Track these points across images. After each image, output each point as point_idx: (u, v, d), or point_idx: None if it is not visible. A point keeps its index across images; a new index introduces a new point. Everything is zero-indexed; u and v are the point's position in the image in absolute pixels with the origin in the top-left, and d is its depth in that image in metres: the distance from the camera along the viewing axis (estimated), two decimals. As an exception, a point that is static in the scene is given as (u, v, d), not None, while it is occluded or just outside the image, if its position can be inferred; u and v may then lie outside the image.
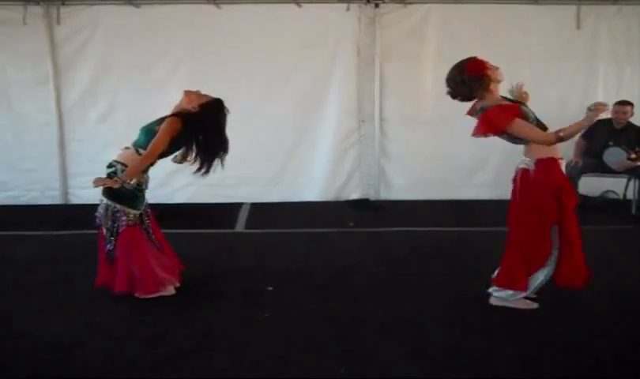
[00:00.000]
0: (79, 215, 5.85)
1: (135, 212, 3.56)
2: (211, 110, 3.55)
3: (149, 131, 3.47)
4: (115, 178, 3.39)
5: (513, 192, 3.35)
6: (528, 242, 3.27)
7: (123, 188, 3.40)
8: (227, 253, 4.62)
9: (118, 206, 3.50)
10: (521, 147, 3.36)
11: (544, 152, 3.21)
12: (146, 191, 3.67)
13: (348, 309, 3.48)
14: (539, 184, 3.20)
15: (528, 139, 3.18)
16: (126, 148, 3.54)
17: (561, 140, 3.11)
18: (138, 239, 3.58)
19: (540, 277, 3.32)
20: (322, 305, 3.53)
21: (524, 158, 3.31)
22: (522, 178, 3.27)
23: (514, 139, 3.26)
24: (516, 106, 3.19)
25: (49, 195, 6.34)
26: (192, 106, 3.50)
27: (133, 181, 3.46)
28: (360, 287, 3.85)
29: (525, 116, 3.16)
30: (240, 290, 3.80)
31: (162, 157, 3.54)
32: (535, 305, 3.39)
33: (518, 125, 3.13)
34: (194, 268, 3.84)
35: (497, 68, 3.25)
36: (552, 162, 3.23)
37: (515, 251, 3.32)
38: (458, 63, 3.27)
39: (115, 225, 3.52)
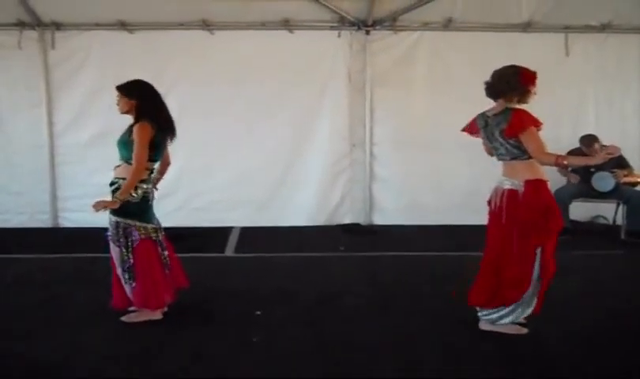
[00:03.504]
0: (68, 238, 5.85)
1: (146, 225, 3.54)
2: (143, 89, 3.54)
3: (125, 143, 3.46)
4: (114, 198, 3.39)
5: (496, 213, 3.34)
6: (516, 262, 3.26)
7: (130, 202, 3.41)
8: (216, 277, 4.59)
9: (128, 221, 3.48)
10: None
11: (533, 174, 3.24)
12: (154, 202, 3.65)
13: (338, 333, 3.45)
14: (529, 205, 3.21)
15: (532, 150, 3.15)
16: (118, 165, 3.53)
17: (561, 165, 3.20)
18: (152, 253, 3.55)
19: (531, 303, 3.32)
20: (313, 329, 3.50)
21: (507, 178, 3.32)
22: (509, 199, 3.27)
23: (510, 149, 3.24)
24: (536, 119, 3.22)
25: (38, 218, 6.31)
26: (130, 104, 3.48)
27: (139, 193, 3.46)
28: (351, 311, 3.82)
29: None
30: (230, 313, 3.77)
31: (154, 160, 3.55)
32: (524, 331, 3.37)
33: (534, 134, 3.16)
34: (184, 292, 3.80)
35: (535, 93, 3.31)
36: (541, 183, 3.26)
37: (501, 271, 3.30)
38: (515, 65, 3.30)
39: (129, 241, 3.49)
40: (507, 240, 3.28)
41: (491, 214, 3.43)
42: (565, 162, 3.21)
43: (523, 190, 3.23)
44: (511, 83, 3.27)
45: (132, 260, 3.49)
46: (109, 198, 3.45)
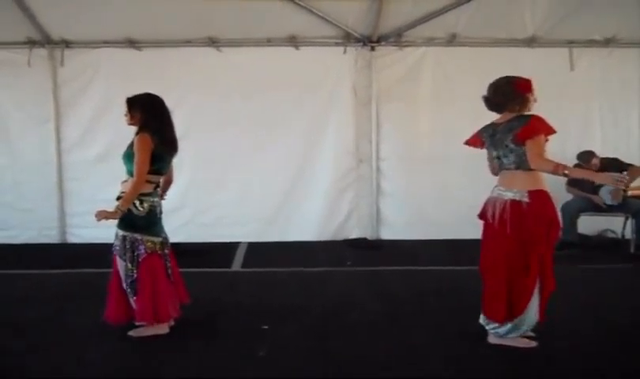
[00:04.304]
0: (75, 254, 5.87)
1: (154, 239, 3.55)
2: (150, 102, 3.57)
3: (129, 156, 3.49)
4: (115, 209, 3.40)
5: (499, 225, 3.27)
6: (520, 274, 3.23)
7: (137, 216, 3.44)
8: (223, 292, 4.59)
9: (136, 235, 3.50)
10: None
11: (536, 184, 3.22)
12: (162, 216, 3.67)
13: (345, 346, 3.43)
14: (535, 215, 3.18)
15: (532, 155, 3.13)
16: (126, 180, 3.55)
17: (562, 174, 3.15)
18: (158, 267, 3.56)
19: (533, 312, 3.29)
20: (320, 343, 3.48)
21: (507, 189, 3.27)
22: (513, 210, 3.22)
23: (520, 154, 3.21)
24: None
25: (46, 234, 6.35)
26: (136, 117, 3.52)
27: (145, 207, 3.48)
28: (358, 325, 3.80)
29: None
30: (236, 328, 3.76)
31: (158, 173, 3.56)
32: (534, 344, 3.33)
33: (540, 142, 3.16)
34: (190, 307, 3.80)
35: (535, 100, 3.33)
36: (545, 194, 3.24)
37: (505, 283, 3.27)
38: (509, 76, 3.33)
39: (136, 255, 3.50)
40: (515, 252, 3.24)
41: (490, 226, 3.36)
42: (565, 171, 3.12)
43: (528, 201, 3.19)
44: (507, 94, 3.29)
45: (136, 275, 3.50)
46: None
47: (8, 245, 6.15)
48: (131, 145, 3.51)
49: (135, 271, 3.50)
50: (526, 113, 3.29)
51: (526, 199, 3.20)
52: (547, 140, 3.22)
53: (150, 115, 3.54)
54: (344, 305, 4.19)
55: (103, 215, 3.37)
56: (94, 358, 3.28)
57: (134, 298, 3.51)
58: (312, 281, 4.91)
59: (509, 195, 3.26)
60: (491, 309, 3.34)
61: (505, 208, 3.26)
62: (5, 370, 3.15)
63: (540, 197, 3.22)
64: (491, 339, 3.39)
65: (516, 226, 3.22)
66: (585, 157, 5.81)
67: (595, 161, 5.73)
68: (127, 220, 3.46)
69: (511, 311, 3.28)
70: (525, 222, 3.20)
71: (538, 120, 3.20)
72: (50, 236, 6.35)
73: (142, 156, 3.42)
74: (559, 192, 5.77)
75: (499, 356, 3.26)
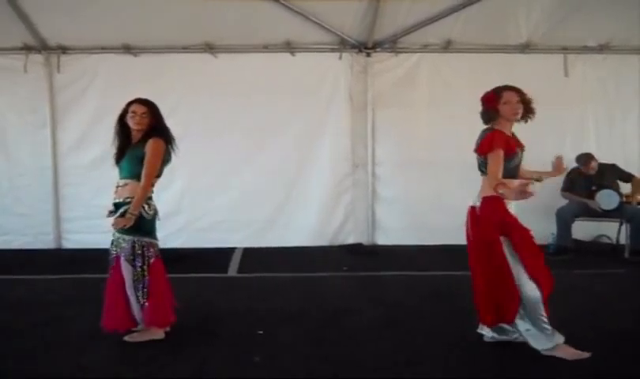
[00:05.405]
0: (70, 260, 5.86)
1: (157, 242, 3.60)
2: (157, 106, 3.62)
3: (133, 159, 3.50)
4: (128, 215, 3.41)
5: (467, 229, 3.40)
6: (493, 279, 3.27)
7: (145, 220, 3.46)
8: (219, 297, 4.58)
9: (144, 239, 3.51)
10: None
11: (490, 191, 3.24)
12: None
13: (342, 351, 3.44)
14: (484, 221, 3.26)
15: (488, 171, 3.21)
16: (123, 185, 3.53)
17: (497, 193, 3.16)
18: (162, 271, 3.60)
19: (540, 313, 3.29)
20: (316, 348, 3.48)
21: (476, 196, 3.37)
22: (472, 215, 3.34)
23: (481, 165, 3.33)
24: (509, 142, 3.24)
25: (42, 239, 6.33)
26: (148, 121, 3.54)
27: (152, 210, 3.52)
28: (355, 330, 3.80)
29: (511, 156, 3.24)
30: (232, 333, 3.75)
31: (158, 176, 3.60)
32: (586, 355, 3.22)
33: (495, 157, 3.19)
34: (186, 312, 3.80)
35: (514, 107, 3.25)
36: (496, 200, 3.23)
37: (484, 287, 3.32)
38: (496, 87, 3.34)
39: (146, 258, 3.51)
40: (482, 257, 3.30)
41: (466, 234, 3.45)
42: (500, 191, 3.12)
43: (479, 206, 3.29)
44: (481, 109, 3.37)
45: (147, 279, 3.50)
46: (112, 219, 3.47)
47: (3, 250, 6.13)
48: (141, 148, 3.51)
49: (147, 274, 3.50)
50: (491, 126, 3.32)
51: (479, 204, 3.29)
52: (522, 151, 3.30)
53: (162, 121, 3.61)
54: (340, 310, 4.19)
55: (121, 224, 3.40)
56: (91, 363, 3.28)
57: (146, 302, 3.49)
58: (308, 286, 4.90)
59: (471, 202, 3.38)
60: (479, 313, 3.42)
61: (468, 213, 3.38)
62: (2, 375, 3.14)
63: (490, 202, 3.26)
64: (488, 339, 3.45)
65: (475, 231, 3.32)
66: (583, 160, 5.85)
67: (593, 164, 5.76)
68: (136, 224, 3.46)
69: (501, 315, 3.30)
70: (480, 227, 3.28)
71: (494, 134, 3.24)
72: (46, 241, 6.34)
73: (157, 161, 3.48)
74: (553, 198, 5.85)
75: (496, 360, 3.27)
